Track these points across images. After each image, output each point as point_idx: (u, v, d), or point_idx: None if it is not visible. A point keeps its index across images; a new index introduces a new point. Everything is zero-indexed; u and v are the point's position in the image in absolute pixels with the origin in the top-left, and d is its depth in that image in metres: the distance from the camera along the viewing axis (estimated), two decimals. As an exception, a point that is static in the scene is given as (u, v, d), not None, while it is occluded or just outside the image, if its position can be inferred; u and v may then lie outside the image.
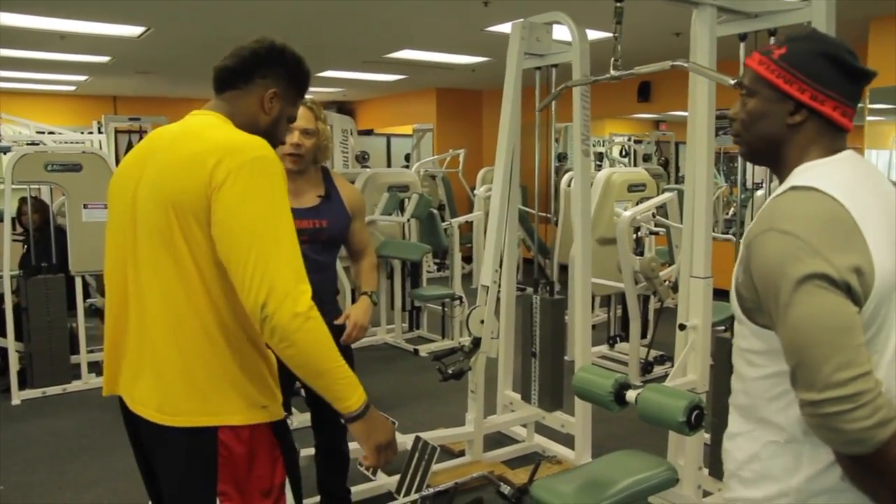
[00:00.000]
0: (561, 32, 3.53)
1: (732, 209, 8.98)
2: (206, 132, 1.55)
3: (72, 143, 6.59)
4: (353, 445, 2.97)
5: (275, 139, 1.70)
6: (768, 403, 1.23)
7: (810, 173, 1.22)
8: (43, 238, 5.03)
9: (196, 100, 10.32)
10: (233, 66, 1.65)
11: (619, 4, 2.17)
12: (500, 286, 3.52)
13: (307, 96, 2.50)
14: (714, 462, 2.97)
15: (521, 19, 3.47)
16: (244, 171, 1.44)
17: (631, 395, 2.22)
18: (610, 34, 5.87)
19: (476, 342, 3.30)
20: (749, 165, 3.11)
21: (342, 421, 1.51)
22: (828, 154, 1.25)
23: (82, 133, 8.54)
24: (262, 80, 1.65)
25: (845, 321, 1.09)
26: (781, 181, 1.28)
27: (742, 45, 2.94)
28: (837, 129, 1.25)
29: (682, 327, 2.86)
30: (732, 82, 1.89)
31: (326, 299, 2.59)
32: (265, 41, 1.67)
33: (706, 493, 3.01)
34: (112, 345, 1.63)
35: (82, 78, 9.10)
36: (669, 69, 2.22)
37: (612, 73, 2.15)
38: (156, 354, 1.53)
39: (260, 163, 1.46)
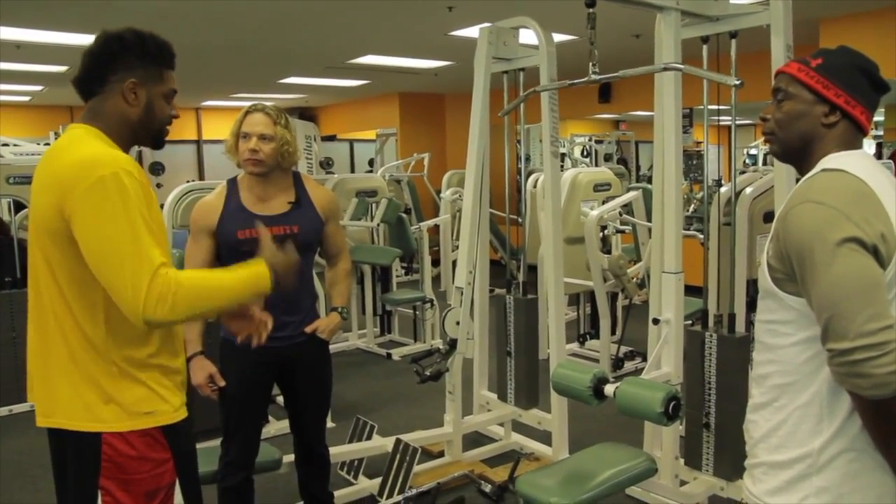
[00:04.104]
0: (528, 36, 3.60)
1: (693, 206, 9.16)
2: (63, 152, 1.58)
3: (32, 154, 6.45)
4: (333, 450, 2.99)
5: (157, 123, 1.70)
6: (799, 367, 1.35)
7: (837, 161, 1.38)
8: (5, 252, 4.92)
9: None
10: (83, 76, 1.64)
11: (591, 10, 2.23)
12: (473, 287, 3.56)
13: (266, 102, 2.53)
14: (689, 452, 3.05)
15: (488, 24, 3.52)
16: (87, 198, 1.48)
17: (609, 388, 2.29)
18: (575, 37, 5.98)
19: (452, 343, 3.33)
20: (711, 163, 3.20)
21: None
22: (850, 150, 1.42)
23: (38, 144, 8.36)
24: (113, 76, 1.62)
25: (876, 279, 1.24)
26: (804, 176, 1.44)
27: (705, 47, 3.03)
28: (859, 130, 1.44)
29: (656, 322, 2.94)
30: (737, 82, 1.99)
31: (305, 306, 2.61)
32: (100, 37, 1.64)
33: (683, 482, 3.09)
34: (28, 352, 1.68)
35: (38, 88, 8.92)
36: (644, 72, 2.29)
37: (592, 76, 2.21)
38: (40, 363, 1.62)
39: (99, 185, 1.48)
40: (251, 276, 1.63)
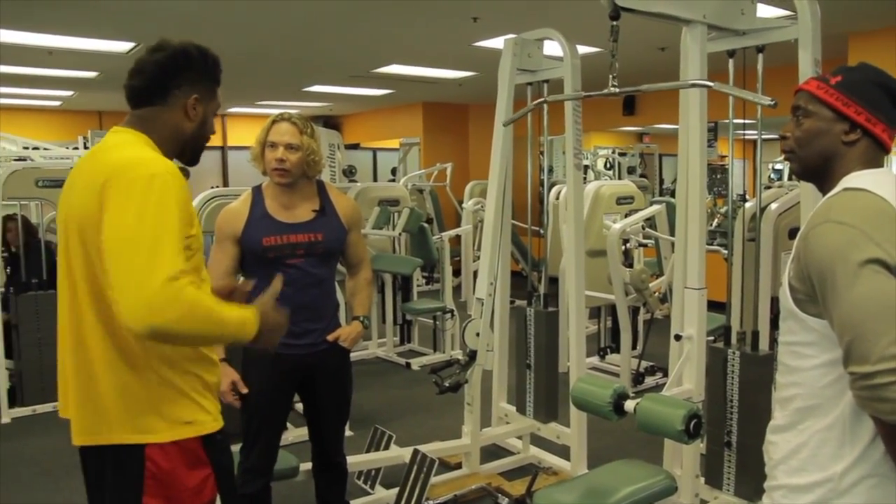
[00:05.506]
0: (552, 48, 3.60)
1: (716, 220, 9.07)
2: (112, 152, 1.55)
3: (61, 158, 6.56)
4: (351, 459, 2.99)
5: (204, 139, 1.72)
6: (822, 390, 1.33)
7: (859, 180, 1.36)
8: (32, 254, 4.99)
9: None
10: (143, 85, 1.62)
11: (615, 23, 2.22)
12: (494, 299, 3.55)
13: (292, 111, 2.56)
14: (710, 471, 3.01)
15: (513, 35, 3.52)
16: (126, 189, 1.44)
17: (629, 404, 2.26)
18: (600, 49, 5.97)
19: (472, 355, 3.32)
20: (735, 178, 3.18)
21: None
22: (872, 168, 1.40)
23: (67, 148, 8.49)
24: (178, 90, 1.62)
25: None
26: (825, 194, 1.41)
27: (731, 61, 3.01)
28: (881, 148, 1.41)
29: (678, 338, 2.91)
30: (770, 102, 1.97)
31: (326, 314, 2.62)
32: (166, 49, 1.62)
33: (703, 502, 3.05)
34: (60, 366, 1.64)
35: (68, 93, 9.07)
36: (669, 87, 2.27)
37: (612, 89, 2.19)
38: (75, 377, 1.58)
39: (145, 181, 1.45)
40: (241, 319, 1.54)
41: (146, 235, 1.40)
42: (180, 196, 1.50)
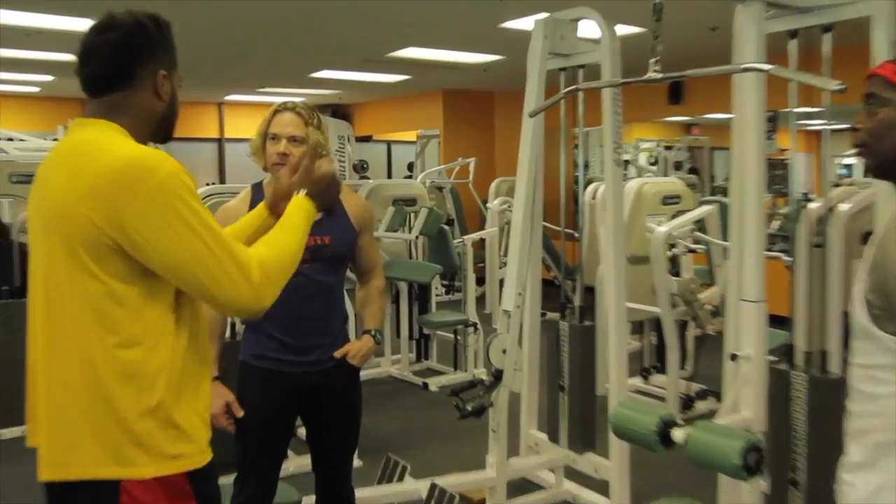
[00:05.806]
0: (588, 29, 3.57)
1: (777, 223, 8.98)
2: (97, 154, 1.53)
3: (38, 151, 6.62)
4: (360, 492, 2.97)
5: (175, 115, 1.73)
6: None
7: None
8: (4, 258, 5.03)
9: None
10: (102, 72, 1.60)
11: (658, 0, 2.19)
12: (522, 311, 3.53)
13: (297, 100, 2.56)
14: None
15: (545, 15, 3.51)
16: (152, 208, 1.47)
17: (678, 434, 2.23)
18: (643, 29, 5.93)
19: (498, 375, 3.31)
20: (798, 174, 3.12)
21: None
22: None
23: (46, 139, 8.59)
24: (142, 70, 1.61)
25: None
26: None
27: (792, 42, 2.96)
28: None
29: (734, 357, 2.87)
30: (839, 87, 1.92)
31: (334, 326, 2.62)
32: (119, 27, 1.60)
33: (763, 548, 3.00)
34: (29, 389, 1.62)
35: (48, 78, 9.19)
36: (720, 72, 2.23)
37: (653, 75, 2.14)
38: (47, 402, 1.55)
39: (160, 191, 1.47)
40: (306, 216, 1.78)
41: (209, 246, 1.52)
42: (192, 187, 1.56)
